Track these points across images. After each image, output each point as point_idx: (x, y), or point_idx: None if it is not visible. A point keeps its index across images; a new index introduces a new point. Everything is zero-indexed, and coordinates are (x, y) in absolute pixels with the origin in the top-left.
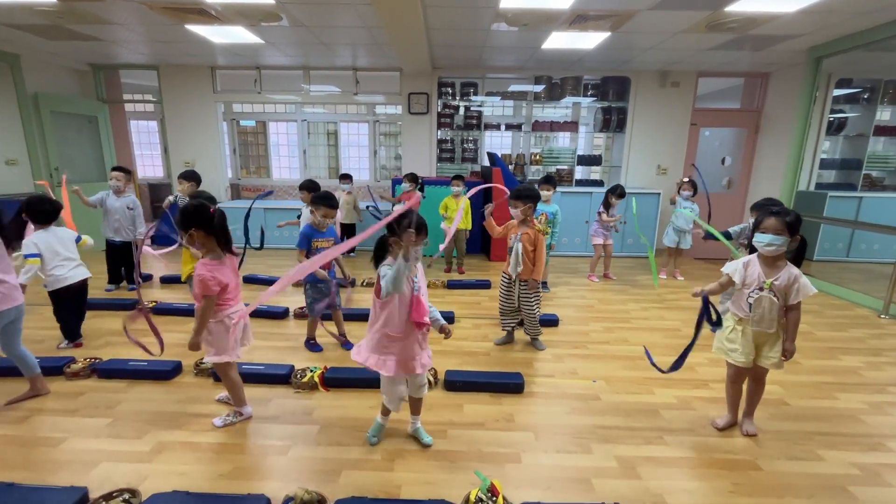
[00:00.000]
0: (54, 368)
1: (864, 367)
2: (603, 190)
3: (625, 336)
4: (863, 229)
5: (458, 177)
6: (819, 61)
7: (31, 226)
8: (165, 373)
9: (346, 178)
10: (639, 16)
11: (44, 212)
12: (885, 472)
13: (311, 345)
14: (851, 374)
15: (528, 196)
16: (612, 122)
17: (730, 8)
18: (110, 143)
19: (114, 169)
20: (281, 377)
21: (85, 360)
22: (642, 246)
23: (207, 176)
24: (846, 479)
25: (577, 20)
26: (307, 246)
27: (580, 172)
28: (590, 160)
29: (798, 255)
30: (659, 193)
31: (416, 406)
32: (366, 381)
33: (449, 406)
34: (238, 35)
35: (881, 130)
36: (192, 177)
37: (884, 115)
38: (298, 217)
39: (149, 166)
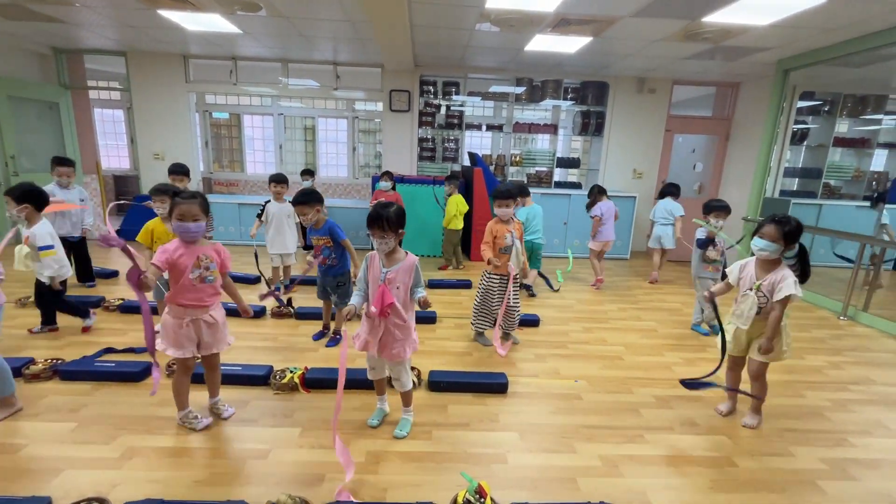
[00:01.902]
0: (12, 370)
1: (827, 366)
2: (581, 192)
3: (603, 336)
4: (822, 235)
5: (453, 176)
6: (786, 74)
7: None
8: (135, 374)
9: (307, 173)
10: (620, 22)
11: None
12: (850, 467)
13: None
14: (816, 372)
15: (519, 192)
16: (591, 125)
17: (707, 18)
18: (72, 131)
19: (59, 163)
20: (259, 378)
21: (46, 360)
22: (618, 248)
23: None
24: (815, 474)
25: (561, 24)
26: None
27: (558, 174)
28: (568, 163)
29: (802, 264)
30: (635, 197)
31: (402, 397)
32: (348, 381)
33: (433, 407)
34: (213, 23)
35: (839, 142)
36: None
37: (841, 126)
38: (260, 213)
39: (114, 157)
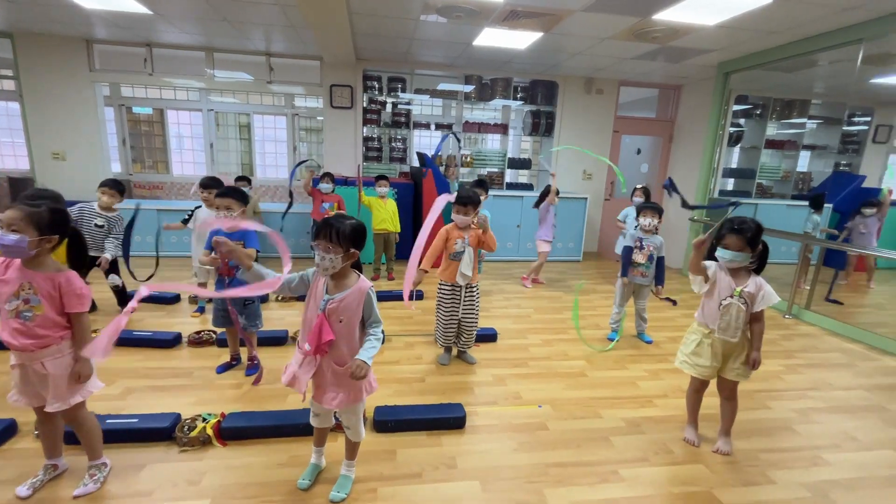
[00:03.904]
0: None
1: (784, 370)
2: (533, 194)
3: (564, 349)
4: (767, 235)
5: (382, 177)
6: (727, 76)
7: None
8: None
9: (243, 180)
10: (571, 17)
11: None
12: (831, 491)
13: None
14: (775, 379)
15: (476, 199)
16: (541, 126)
17: (657, 16)
18: None
19: None
20: (161, 432)
21: None
22: (571, 249)
23: (84, 169)
24: None
25: (510, 16)
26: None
27: (509, 176)
28: (519, 163)
29: (761, 261)
30: (586, 198)
31: (346, 446)
32: (275, 429)
33: (379, 454)
34: (115, 1)
35: (770, 143)
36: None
37: (770, 129)
38: (187, 218)
39: (9, 156)
